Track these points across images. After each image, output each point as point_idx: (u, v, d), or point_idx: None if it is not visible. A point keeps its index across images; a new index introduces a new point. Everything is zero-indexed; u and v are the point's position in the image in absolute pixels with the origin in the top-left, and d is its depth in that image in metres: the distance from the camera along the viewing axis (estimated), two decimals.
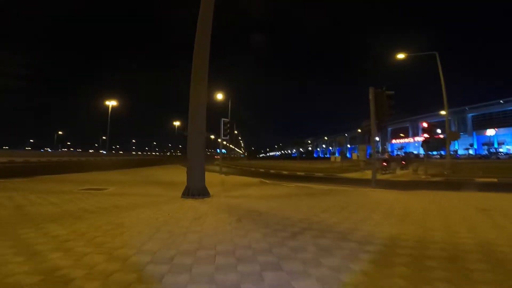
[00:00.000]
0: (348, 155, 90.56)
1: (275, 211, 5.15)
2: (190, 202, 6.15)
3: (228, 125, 15.66)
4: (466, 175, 15.60)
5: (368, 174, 18.39)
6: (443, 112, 60.27)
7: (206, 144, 8.18)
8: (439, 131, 72.14)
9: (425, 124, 15.19)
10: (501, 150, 56.68)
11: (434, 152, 68.20)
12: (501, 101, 66.33)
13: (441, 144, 58.61)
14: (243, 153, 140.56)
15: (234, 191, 8.39)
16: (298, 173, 19.97)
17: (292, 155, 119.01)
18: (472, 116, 71.22)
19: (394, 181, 13.70)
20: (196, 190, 6.79)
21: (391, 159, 21.30)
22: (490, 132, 63.57)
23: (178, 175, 14.44)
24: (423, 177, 15.26)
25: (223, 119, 15.54)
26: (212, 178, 13.84)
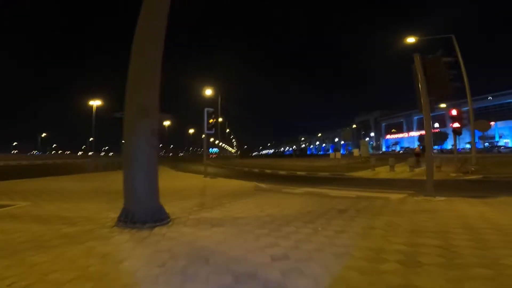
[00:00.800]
0: (342, 151, 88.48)
1: (301, 275, 2.13)
2: (117, 242, 3.08)
3: (214, 116, 12.57)
4: (499, 171, 12.91)
5: (381, 172, 15.65)
6: (443, 105, 58.30)
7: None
8: (436, 125, 70.29)
9: (454, 112, 12.36)
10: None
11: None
12: (489, 98, 64.95)
13: (437, 138, 56.09)
14: (236, 152, 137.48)
15: (215, 208, 5.32)
16: (299, 173, 17.01)
17: (285, 153, 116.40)
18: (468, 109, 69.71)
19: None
20: (140, 213, 3.71)
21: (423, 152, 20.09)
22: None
23: None
24: (453, 174, 12.49)
25: (206, 108, 12.46)
26: (191, 183, 10.76)
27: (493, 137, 57.79)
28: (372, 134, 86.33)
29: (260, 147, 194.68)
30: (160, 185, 4.06)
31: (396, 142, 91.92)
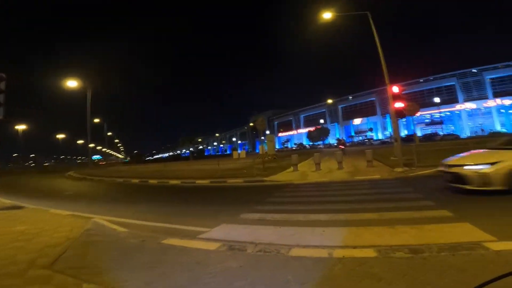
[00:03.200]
0: (239, 149, 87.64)
1: None
2: None
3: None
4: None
5: (307, 173, 12.02)
6: (330, 101, 63.82)
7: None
8: (322, 121, 77.44)
9: (395, 89, 9.55)
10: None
11: (317, 142, 73.24)
12: (349, 97, 76.34)
13: (324, 134, 61.45)
14: (125, 158, 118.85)
15: None
16: (200, 183, 11.60)
17: (182, 155, 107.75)
18: (342, 107, 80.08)
19: (395, 182, 7.42)
20: None
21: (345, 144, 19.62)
22: (357, 121, 72.59)
23: None
24: (399, 170, 9.83)
25: None
26: None
27: (365, 131, 67.46)
28: (268, 132, 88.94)
29: (154, 151, 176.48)
30: None
31: (287, 140, 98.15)
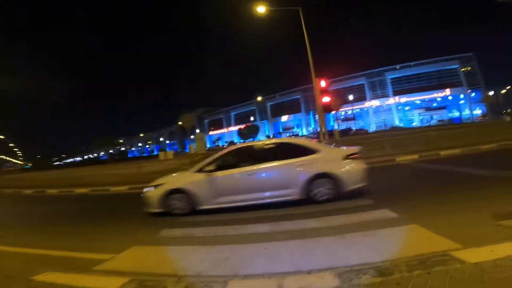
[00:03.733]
0: (168, 149, 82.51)
1: None
2: None
3: None
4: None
5: None
6: (259, 98, 64.85)
7: None
8: (252, 118, 78.83)
9: (322, 83, 9.65)
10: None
11: (248, 140, 74.31)
12: (277, 95, 79.74)
13: (254, 132, 62.83)
14: (26, 164, 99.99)
15: None
16: (115, 189, 9.80)
17: (102, 158, 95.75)
18: (270, 105, 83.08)
19: None
20: None
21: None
22: (284, 118, 76.35)
23: None
24: None
25: None
26: None
27: (292, 127, 71.30)
28: (198, 130, 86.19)
29: (64, 155, 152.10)
30: None
31: (218, 138, 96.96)
